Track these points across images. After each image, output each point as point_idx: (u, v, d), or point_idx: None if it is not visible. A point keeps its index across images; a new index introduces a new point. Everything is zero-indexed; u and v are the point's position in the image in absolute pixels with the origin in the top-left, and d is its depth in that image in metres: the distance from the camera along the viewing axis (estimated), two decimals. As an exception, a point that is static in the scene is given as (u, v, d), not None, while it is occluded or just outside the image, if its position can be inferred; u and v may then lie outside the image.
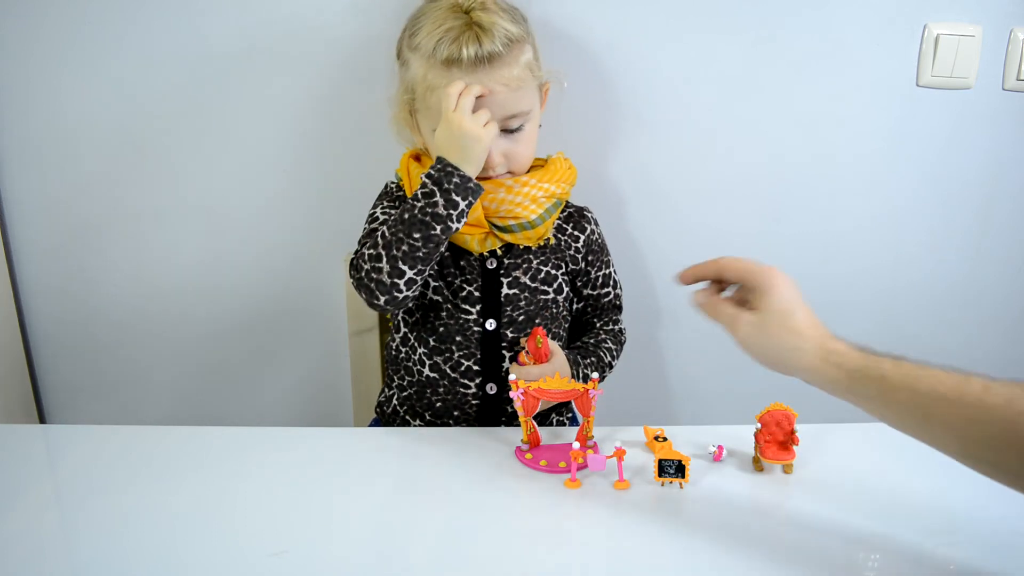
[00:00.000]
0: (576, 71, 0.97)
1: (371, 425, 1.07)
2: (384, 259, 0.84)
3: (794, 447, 0.80)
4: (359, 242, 0.92)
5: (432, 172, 0.84)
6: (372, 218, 0.96)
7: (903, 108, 1.17)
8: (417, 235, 0.83)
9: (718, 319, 0.74)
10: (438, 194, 0.83)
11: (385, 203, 0.96)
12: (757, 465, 0.81)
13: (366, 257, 0.85)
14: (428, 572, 0.66)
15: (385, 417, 1.03)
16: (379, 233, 0.85)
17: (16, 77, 1.13)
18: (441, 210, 0.83)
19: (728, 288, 0.77)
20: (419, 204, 0.83)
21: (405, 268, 0.84)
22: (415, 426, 0.99)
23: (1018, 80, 1.15)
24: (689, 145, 1.18)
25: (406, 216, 0.84)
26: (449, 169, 0.83)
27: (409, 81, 0.90)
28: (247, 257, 1.23)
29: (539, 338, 0.88)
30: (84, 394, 1.31)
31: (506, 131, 0.89)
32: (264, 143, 1.17)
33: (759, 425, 0.81)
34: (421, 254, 0.84)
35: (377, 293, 0.85)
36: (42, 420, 1.31)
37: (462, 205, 0.83)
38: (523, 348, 0.92)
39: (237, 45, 1.12)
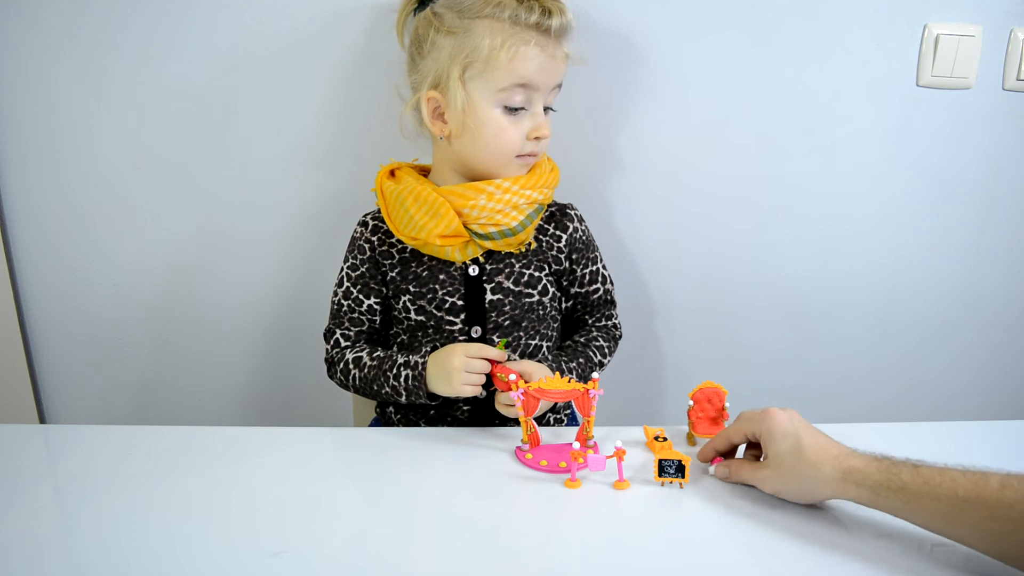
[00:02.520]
0: (574, 69, 0.97)
1: (371, 425, 1.07)
2: (351, 389, 0.99)
3: (724, 423, 0.85)
4: (331, 310, 1.01)
5: (411, 383, 0.91)
6: (340, 280, 1.00)
7: (903, 108, 1.17)
8: (376, 396, 0.96)
9: (744, 483, 0.77)
10: (404, 397, 0.92)
11: (350, 259, 1.00)
12: (690, 440, 0.86)
13: (337, 375, 0.99)
14: (428, 572, 0.66)
15: (385, 417, 1.04)
16: (351, 375, 0.97)
17: (16, 77, 1.13)
18: (402, 400, 0.93)
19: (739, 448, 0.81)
20: (386, 389, 0.93)
21: (367, 397, 0.99)
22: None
23: (1018, 80, 1.15)
24: (689, 145, 1.18)
25: (374, 387, 0.94)
26: (422, 390, 0.91)
27: (473, 47, 0.89)
28: (247, 257, 1.23)
29: (500, 376, 0.87)
30: (84, 394, 1.31)
31: (545, 108, 0.95)
32: (265, 143, 1.17)
33: (692, 403, 0.85)
34: (380, 399, 0.98)
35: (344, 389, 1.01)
36: (42, 420, 1.31)
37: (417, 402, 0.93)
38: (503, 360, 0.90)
39: (236, 45, 1.12)
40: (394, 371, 0.92)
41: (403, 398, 0.92)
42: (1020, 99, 1.17)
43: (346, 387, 0.99)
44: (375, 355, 0.96)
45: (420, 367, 0.90)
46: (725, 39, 1.13)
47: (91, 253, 1.23)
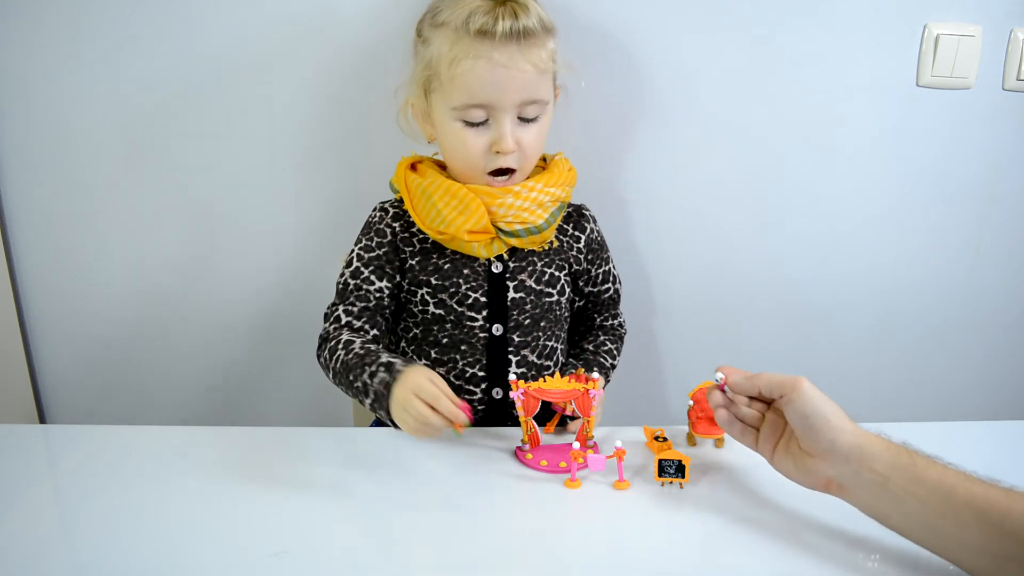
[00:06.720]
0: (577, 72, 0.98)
1: (371, 425, 1.07)
2: (329, 373, 0.90)
3: None
4: (336, 291, 0.95)
5: (380, 388, 0.81)
6: (349, 261, 0.95)
7: (903, 108, 1.17)
8: (348, 388, 0.87)
9: (760, 396, 0.75)
10: (368, 400, 0.83)
11: (364, 241, 0.96)
12: (690, 440, 0.86)
13: (324, 354, 0.90)
14: (427, 572, 0.66)
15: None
16: (336, 357, 0.87)
17: (16, 77, 1.13)
18: (366, 403, 0.84)
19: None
20: (357, 384, 0.84)
21: (341, 388, 0.89)
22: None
23: (1018, 80, 1.15)
24: (690, 145, 1.18)
25: (350, 377, 0.85)
26: (386, 400, 0.80)
27: (429, 58, 0.89)
28: (247, 257, 1.23)
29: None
30: (84, 394, 1.31)
31: (523, 119, 0.90)
32: (264, 143, 1.17)
33: (692, 403, 0.85)
34: (351, 393, 0.87)
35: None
36: (42, 420, 1.31)
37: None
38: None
39: (237, 44, 1.12)
40: (373, 367, 0.82)
41: (368, 400, 0.83)
42: (1020, 99, 1.17)
43: (327, 369, 0.90)
44: (367, 345, 0.87)
45: (396, 374, 0.80)
46: (725, 39, 1.13)
47: (91, 253, 1.23)
